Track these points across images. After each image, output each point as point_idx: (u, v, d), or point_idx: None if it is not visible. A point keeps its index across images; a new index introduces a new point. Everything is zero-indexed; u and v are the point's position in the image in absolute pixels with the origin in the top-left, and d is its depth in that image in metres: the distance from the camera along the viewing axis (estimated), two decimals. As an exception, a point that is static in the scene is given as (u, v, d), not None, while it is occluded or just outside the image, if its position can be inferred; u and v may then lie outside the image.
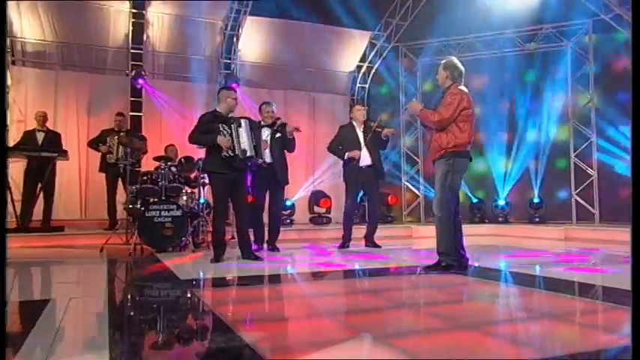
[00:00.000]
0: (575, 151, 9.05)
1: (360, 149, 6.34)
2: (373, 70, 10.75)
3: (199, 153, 7.35)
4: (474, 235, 8.41)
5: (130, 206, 6.32)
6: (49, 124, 7.88)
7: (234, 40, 9.86)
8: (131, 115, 9.28)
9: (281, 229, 7.69)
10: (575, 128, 9.08)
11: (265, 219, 6.23)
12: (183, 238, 6.08)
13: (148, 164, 7.68)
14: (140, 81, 9.12)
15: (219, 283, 4.00)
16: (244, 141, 4.98)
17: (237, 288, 3.81)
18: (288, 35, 10.05)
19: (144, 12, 9.37)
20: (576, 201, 9.02)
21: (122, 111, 8.57)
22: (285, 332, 2.49)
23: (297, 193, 9.74)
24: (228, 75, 9.73)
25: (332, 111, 10.58)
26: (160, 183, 6.20)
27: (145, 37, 9.53)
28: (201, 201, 6.82)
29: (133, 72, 9.20)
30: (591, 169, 8.93)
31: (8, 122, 7.84)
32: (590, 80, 8.96)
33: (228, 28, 9.75)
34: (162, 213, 5.99)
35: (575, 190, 9.03)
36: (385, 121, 6.52)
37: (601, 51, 8.95)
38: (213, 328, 2.50)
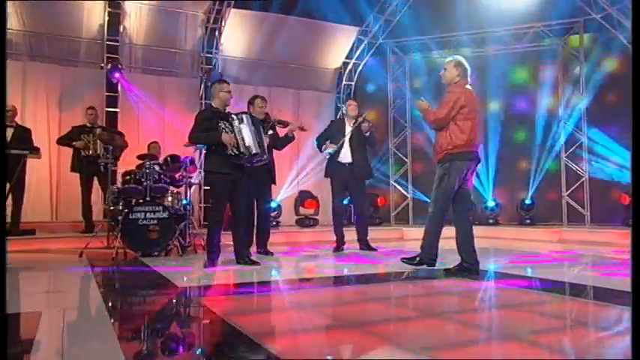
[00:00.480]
0: (566, 152, 9.14)
1: (342, 144, 6.22)
2: (360, 67, 10.65)
3: (186, 152, 7.12)
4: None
5: (112, 207, 6.02)
6: (17, 119, 7.48)
7: (217, 33, 9.61)
8: (107, 111, 8.96)
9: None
10: (565, 129, 9.17)
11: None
12: (170, 242, 5.83)
13: (125, 162, 7.39)
14: (116, 74, 8.78)
15: (224, 290, 3.81)
16: (248, 138, 4.79)
17: (244, 296, 3.62)
18: (273, 29, 9.85)
19: (120, 1, 9.03)
20: (567, 202, 9.11)
21: (97, 106, 8.24)
22: (310, 343, 2.34)
23: (281, 194, 9.55)
24: (210, 70, 9.46)
25: (317, 108, 10.44)
26: (145, 183, 5.94)
27: (121, 29, 9.19)
28: (184, 202, 6.57)
29: (109, 65, 8.84)
30: (582, 170, 9.04)
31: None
32: (581, 80, 9.07)
33: (211, 21, 9.49)
34: (148, 215, 5.74)
35: (566, 191, 9.12)
36: (369, 119, 6.36)
37: (592, 50, 9.06)
38: (236, 341, 2.32)
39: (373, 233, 6.47)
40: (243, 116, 4.89)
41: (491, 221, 9.28)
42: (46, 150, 8.26)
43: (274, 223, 8.78)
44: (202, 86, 9.63)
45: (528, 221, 9.04)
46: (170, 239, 5.83)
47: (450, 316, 2.89)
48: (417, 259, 4.48)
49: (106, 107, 8.98)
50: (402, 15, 9.84)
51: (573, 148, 9.10)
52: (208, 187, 5.67)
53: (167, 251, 5.89)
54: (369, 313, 2.98)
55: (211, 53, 9.69)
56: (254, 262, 5.01)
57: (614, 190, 8.76)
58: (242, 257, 5.02)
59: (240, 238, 5.05)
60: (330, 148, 6.18)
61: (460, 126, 4.24)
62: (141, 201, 5.81)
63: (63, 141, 7.25)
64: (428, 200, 9.60)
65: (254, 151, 4.78)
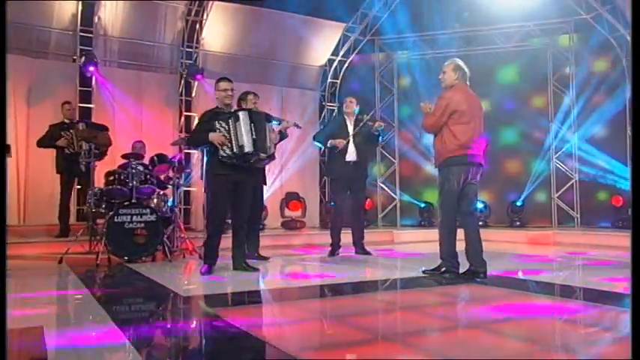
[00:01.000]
0: (556, 154, 9.28)
1: (347, 142, 6.15)
2: (346, 65, 10.58)
3: (173, 151, 6.93)
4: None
5: (94, 210, 5.76)
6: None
7: (198, 26, 9.37)
8: (80, 107, 8.62)
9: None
10: (555, 129, 9.31)
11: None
12: (157, 247, 5.61)
13: (103, 162, 7.11)
14: (91, 68, 8.44)
15: (236, 300, 3.64)
16: (242, 136, 4.62)
17: (261, 306, 3.47)
18: (257, 24, 9.68)
19: (95, -10, 8.72)
20: (556, 204, 9.24)
21: (70, 101, 7.88)
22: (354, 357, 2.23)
23: (266, 194, 9.37)
24: (191, 65, 9.22)
25: (301, 106, 10.32)
26: (130, 184, 5.70)
27: (96, 19, 8.85)
28: (169, 203, 6.35)
29: (83, 58, 8.51)
30: (572, 171, 9.18)
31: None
32: (571, 80, 9.21)
33: (192, 13, 9.25)
34: (134, 218, 5.52)
35: (556, 193, 9.25)
36: (380, 119, 6.32)
37: (581, 51, 9.22)
38: (272, 357, 2.18)
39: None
40: (240, 113, 4.72)
41: (480, 223, 9.30)
42: (13, 148, 7.87)
43: (260, 226, 8.60)
44: (182, 82, 9.38)
45: (518, 223, 9.13)
46: (158, 244, 5.62)
47: (487, 326, 2.82)
48: (442, 269, 4.48)
49: (80, 103, 8.63)
50: (391, 12, 9.81)
51: (563, 149, 9.23)
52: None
53: (153, 256, 5.68)
54: (401, 324, 2.89)
55: (192, 47, 9.46)
56: (252, 268, 4.85)
57: (603, 191, 8.94)
58: (239, 263, 4.86)
59: (240, 243, 4.89)
60: (340, 144, 6.07)
61: (453, 131, 4.32)
62: (127, 203, 5.57)
63: (44, 142, 6.88)
64: (416, 202, 9.84)
65: (246, 150, 4.61)
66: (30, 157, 8.05)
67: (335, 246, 6.29)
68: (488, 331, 2.71)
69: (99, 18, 8.89)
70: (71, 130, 6.77)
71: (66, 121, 7.03)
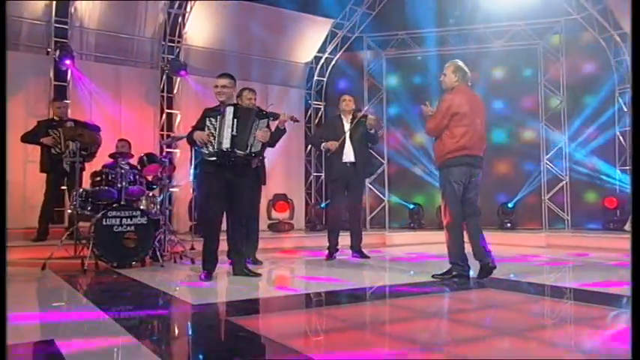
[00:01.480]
0: (546, 154, 9.41)
1: (342, 142, 6.07)
2: (333, 62, 10.52)
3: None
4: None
5: (79, 212, 5.54)
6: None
7: (181, 20, 9.16)
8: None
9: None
10: (546, 130, 9.45)
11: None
12: (149, 251, 5.43)
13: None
14: (67, 62, 8.15)
15: (251, 307, 3.53)
16: (224, 132, 4.50)
17: (282, 313, 3.36)
18: (242, 18, 9.52)
19: (71, -21, 8.43)
20: (547, 206, 9.37)
21: (42, 96, 7.63)
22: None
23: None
24: (174, 60, 9.00)
25: (286, 104, 10.18)
26: (119, 184, 5.51)
27: (72, 10, 8.55)
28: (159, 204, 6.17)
29: (57, 51, 8.20)
30: (562, 173, 9.33)
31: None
32: (562, 80, 9.36)
33: (175, 6, 9.04)
34: (124, 221, 5.32)
35: (546, 194, 9.38)
36: (374, 114, 6.24)
37: (572, 51, 9.38)
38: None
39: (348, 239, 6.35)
40: (226, 109, 4.60)
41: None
42: (-18, 146, 7.55)
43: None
44: (164, 78, 9.15)
45: (509, 225, 9.23)
46: (149, 248, 5.43)
47: (527, 334, 2.79)
48: (452, 273, 4.50)
49: (54, 99, 8.32)
50: (380, 8, 9.80)
51: (554, 150, 9.37)
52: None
53: (143, 261, 5.49)
54: (436, 332, 2.83)
55: (174, 42, 9.23)
56: (254, 274, 4.73)
57: (594, 193, 9.11)
58: (240, 268, 4.74)
59: (238, 246, 4.76)
60: (332, 146, 5.99)
61: (453, 132, 4.42)
62: (115, 205, 5.37)
63: (28, 138, 6.59)
64: (405, 203, 9.84)
65: (223, 147, 4.49)
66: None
67: (332, 249, 6.22)
68: (531, 340, 2.68)
69: (75, 8, 8.59)
70: (59, 129, 6.51)
71: (55, 118, 6.76)
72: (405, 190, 10.11)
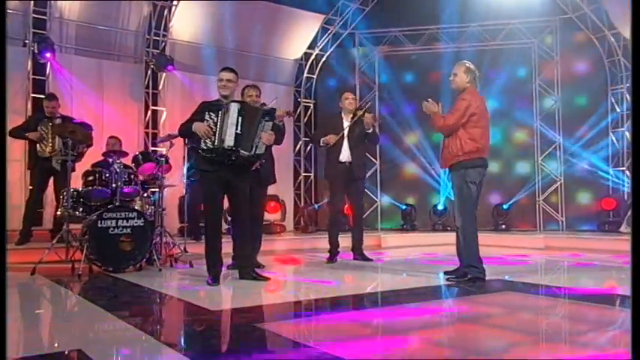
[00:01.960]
0: (541, 155, 9.55)
1: (340, 140, 6.04)
2: (323, 59, 10.48)
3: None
4: (443, 244, 8.55)
5: (70, 213, 5.37)
6: None
7: (167, 12, 8.99)
8: (33, 97, 8.07)
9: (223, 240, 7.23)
10: (540, 130, 9.59)
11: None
12: (146, 254, 5.31)
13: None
14: (48, 55, 7.92)
15: (278, 311, 3.46)
16: (226, 129, 4.40)
17: (309, 317, 3.30)
18: (230, 12, 9.40)
19: (50, -33, 8.19)
20: (541, 207, 9.50)
21: (20, 91, 7.39)
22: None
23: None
24: (160, 55, 8.83)
25: (275, 102, 10.10)
26: (114, 184, 5.36)
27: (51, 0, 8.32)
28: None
29: (36, 43, 7.95)
30: (557, 173, 9.48)
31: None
32: (557, 80, 9.51)
33: (161, -3, 8.88)
34: (120, 223, 5.17)
35: (541, 195, 9.52)
36: (370, 112, 6.21)
37: (567, 50, 9.54)
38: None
39: (347, 240, 6.35)
40: (231, 105, 4.50)
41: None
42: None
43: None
44: (150, 72, 8.98)
45: (503, 226, 9.33)
46: (146, 251, 5.30)
47: (576, 339, 2.80)
48: (468, 276, 4.52)
49: (32, 93, 8.09)
50: (374, 4, 9.80)
51: (549, 150, 9.51)
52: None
53: (140, 266, 5.36)
54: (476, 338, 2.82)
55: (159, 35, 9.06)
56: (262, 278, 4.66)
57: (588, 194, 9.29)
58: (246, 272, 4.65)
59: (244, 248, 4.68)
60: (331, 139, 5.96)
61: (470, 133, 4.49)
62: (111, 206, 5.23)
63: (15, 133, 6.36)
64: (397, 204, 9.86)
65: (226, 145, 4.40)
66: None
67: (334, 251, 6.18)
68: (579, 345, 2.69)
69: (55, -2, 8.36)
70: (48, 125, 6.31)
71: (47, 114, 6.56)
72: (397, 190, 10.13)
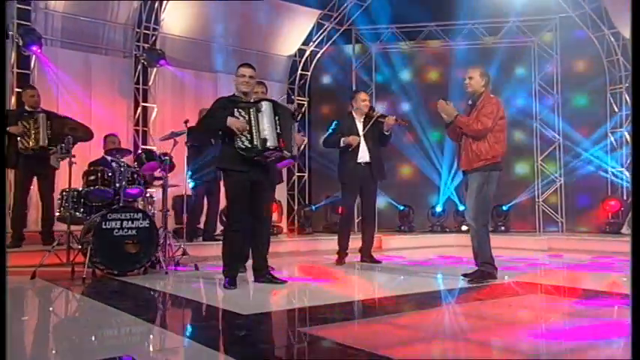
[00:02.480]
0: (540, 156, 9.72)
1: (358, 142, 6.10)
2: (318, 56, 10.49)
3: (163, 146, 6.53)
4: (443, 246, 8.66)
5: (71, 214, 5.28)
6: None
7: (157, 5, 8.89)
8: (17, 92, 7.88)
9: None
10: (540, 130, 9.75)
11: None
12: (152, 257, 5.25)
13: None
14: (34, 48, 7.75)
15: (315, 315, 3.46)
16: (266, 128, 4.40)
17: (352, 322, 3.29)
18: (222, 6, 9.35)
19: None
20: (541, 208, 9.66)
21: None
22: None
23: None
24: (152, 49, 8.72)
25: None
26: (117, 184, 5.29)
27: (36, -10, 8.16)
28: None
29: (21, 35, 7.78)
30: (557, 174, 9.65)
31: None
32: (557, 78, 9.69)
33: (152, -11, 8.78)
34: (125, 224, 5.11)
35: (541, 196, 9.68)
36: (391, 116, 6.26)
37: (566, 49, 9.72)
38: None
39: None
40: (263, 103, 4.50)
41: (464, 228, 9.56)
42: None
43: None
44: (140, 67, 8.86)
45: (502, 228, 9.45)
46: (152, 254, 5.24)
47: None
48: (479, 272, 4.73)
49: (16, 87, 7.91)
50: (372, 0, 9.84)
51: (549, 150, 9.68)
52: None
53: (145, 269, 5.29)
54: (529, 341, 2.86)
55: (149, 29, 8.95)
56: (279, 280, 4.65)
57: (588, 195, 9.46)
58: (262, 274, 4.65)
59: (261, 252, 4.67)
60: (354, 140, 5.99)
61: (497, 136, 4.72)
62: (115, 207, 5.15)
63: None
64: (395, 204, 9.90)
65: (269, 144, 4.40)
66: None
67: (343, 253, 6.22)
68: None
69: (40, -12, 8.20)
70: (30, 120, 6.15)
71: (28, 108, 6.40)
72: (394, 190, 10.18)
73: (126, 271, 5.09)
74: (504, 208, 9.57)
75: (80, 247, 5.18)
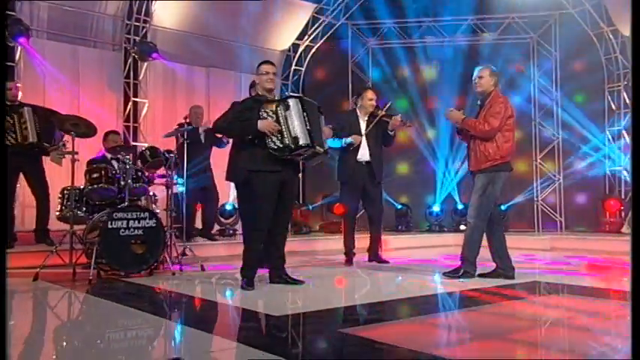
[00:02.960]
0: (540, 154, 9.88)
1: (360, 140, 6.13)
2: (313, 50, 10.50)
3: (166, 143, 6.49)
4: (442, 245, 8.74)
5: (71, 213, 5.20)
6: None
7: (149, -4, 8.81)
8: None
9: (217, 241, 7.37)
10: (539, 128, 9.92)
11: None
12: (160, 257, 5.21)
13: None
14: (21, 40, 7.61)
15: (348, 316, 3.47)
16: (296, 126, 4.40)
17: (390, 323, 3.32)
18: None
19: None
20: (540, 207, 9.83)
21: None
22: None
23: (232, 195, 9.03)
24: (143, 42, 8.63)
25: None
26: (122, 182, 5.24)
27: (21, -21, 8.01)
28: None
29: (8, 26, 7.62)
30: (556, 172, 9.83)
31: None
32: (556, 76, 9.86)
33: (143, -20, 8.70)
34: (131, 224, 5.06)
35: (539, 195, 9.85)
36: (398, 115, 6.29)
37: (566, 46, 9.90)
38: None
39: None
40: (290, 101, 4.50)
41: (462, 227, 9.67)
42: None
43: (231, 231, 8.29)
44: (130, 61, 8.76)
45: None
46: (160, 254, 5.20)
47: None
48: (461, 270, 4.89)
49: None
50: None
51: (547, 149, 9.85)
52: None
53: (151, 270, 5.25)
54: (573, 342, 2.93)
55: (140, 21, 8.86)
56: (297, 281, 4.65)
57: (586, 194, 9.66)
58: (279, 275, 4.65)
59: (282, 252, 4.68)
60: (357, 139, 6.01)
61: (506, 136, 4.81)
62: (121, 206, 5.10)
63: None
64: (392, 203, 9.97)
65: (301, 142, 4.41)
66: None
67: (350, 253, 6.25)
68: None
69: (25, -23, 8.05)
70: (14, 115, 6.01)
71: (8, 102, 6.26)
72: (391, 189, 10.23)
73: (132, 272, 5.05)
74: (503, 207, 9.67)
75: (83, 247, 5.12)
